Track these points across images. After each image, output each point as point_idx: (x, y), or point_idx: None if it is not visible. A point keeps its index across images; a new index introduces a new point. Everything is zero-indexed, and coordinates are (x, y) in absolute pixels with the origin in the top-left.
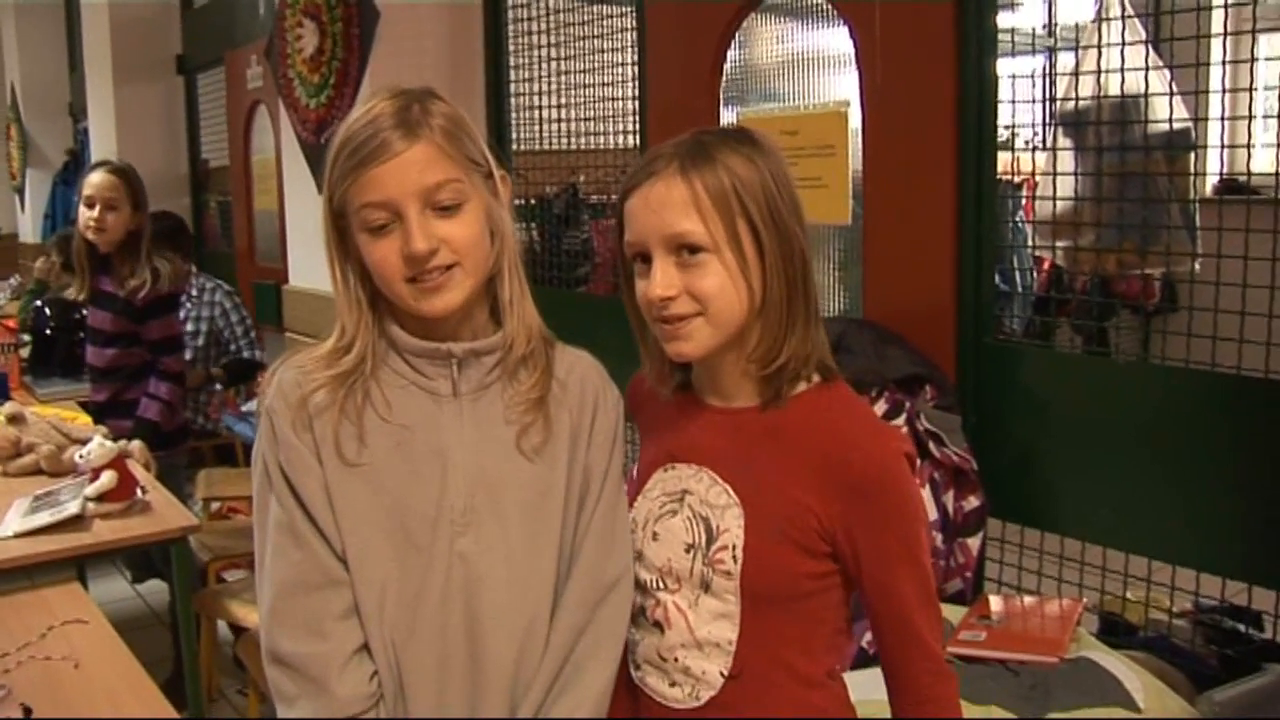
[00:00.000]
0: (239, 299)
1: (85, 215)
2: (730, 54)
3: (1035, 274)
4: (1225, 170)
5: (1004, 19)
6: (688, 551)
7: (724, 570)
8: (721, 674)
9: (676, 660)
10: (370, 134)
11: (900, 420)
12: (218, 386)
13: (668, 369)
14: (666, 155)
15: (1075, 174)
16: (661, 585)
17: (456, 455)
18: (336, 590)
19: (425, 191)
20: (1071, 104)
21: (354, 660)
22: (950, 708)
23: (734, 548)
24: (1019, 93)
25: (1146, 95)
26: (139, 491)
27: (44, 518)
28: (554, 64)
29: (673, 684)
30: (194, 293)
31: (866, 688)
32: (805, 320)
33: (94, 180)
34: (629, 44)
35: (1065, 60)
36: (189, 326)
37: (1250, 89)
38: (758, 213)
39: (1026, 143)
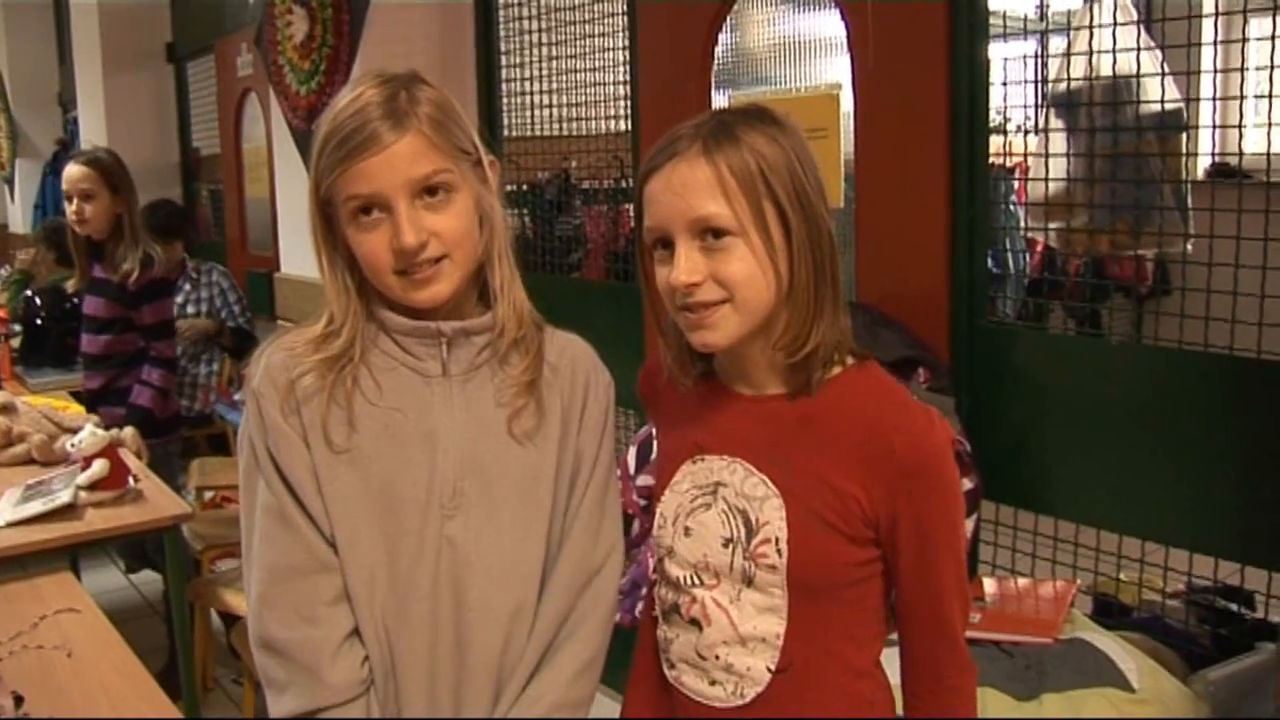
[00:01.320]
0: (233, 279)
1: (68, 210)
2: (721, 38)
3: (1028, 257)
4: (1217, 150)
5: (995, 2)
6: (726, 545)
7: (768, 564)
8: (768, 669)
9: (718, 658)
10: (357, 125)
11: None
12: (205, 361)
13: (689, 358)
14: (688, 135)
15: (1068, 155)
16: (697, 581)
17: (446, 438)
18: (327, 575)
19: (414, 183)
20: (1063, 85)
21: (345, 646)
22: (969, 700)
23: (777, 540)
24: (1010, 76)
25: (1139, 76)
26: (131, 480)
27: (36, 507)
28: (545, 49)
29: (713, 682)
30: (194, 275)
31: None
32: (833, 305)
33: (68, 175)
34: (620, 28)
35: (1056, 43)
36: (190, 309)
37: (1242, 69)
38: (784, 194)
39: (1018, 126)
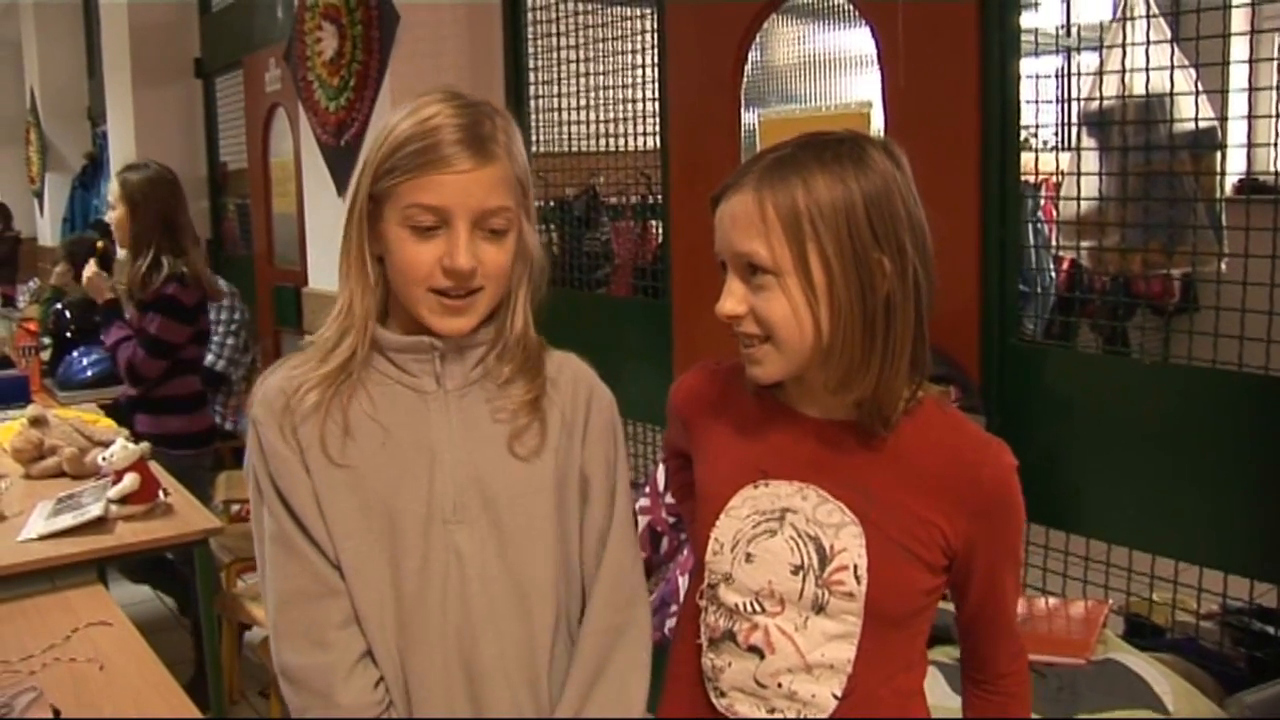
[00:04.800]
0: (238, 311)
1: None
2: (751, 55)
3: (1055, 274)
4: (1249, 169)
5: (1025, 19)
6: (795, 573)
7: (844, 591)
8: (834, 696)
9: (780, 685)
10: (441, 139)
11: None
12: None
13: None
14: (753, 167)
15: (1100, 174)
16: (758, 608)
17: (444, 452)
18: (335, 599)
19: (483, 213)
20: (1096, 104)
21: (358, 668)
22: (1025, 681)
23: (855, 568)
24: (1039, 93)
25: (1171, 94)
26: (161, 494)
27: (67, 520)
28: (574, 65)
29: (772, 710)
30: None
31: None
32: (888, 359)
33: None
34: (649, 45)
35: (1086, 60)
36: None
37: (1275, 87)
38: (831, 240)
39: (1045, 143)
